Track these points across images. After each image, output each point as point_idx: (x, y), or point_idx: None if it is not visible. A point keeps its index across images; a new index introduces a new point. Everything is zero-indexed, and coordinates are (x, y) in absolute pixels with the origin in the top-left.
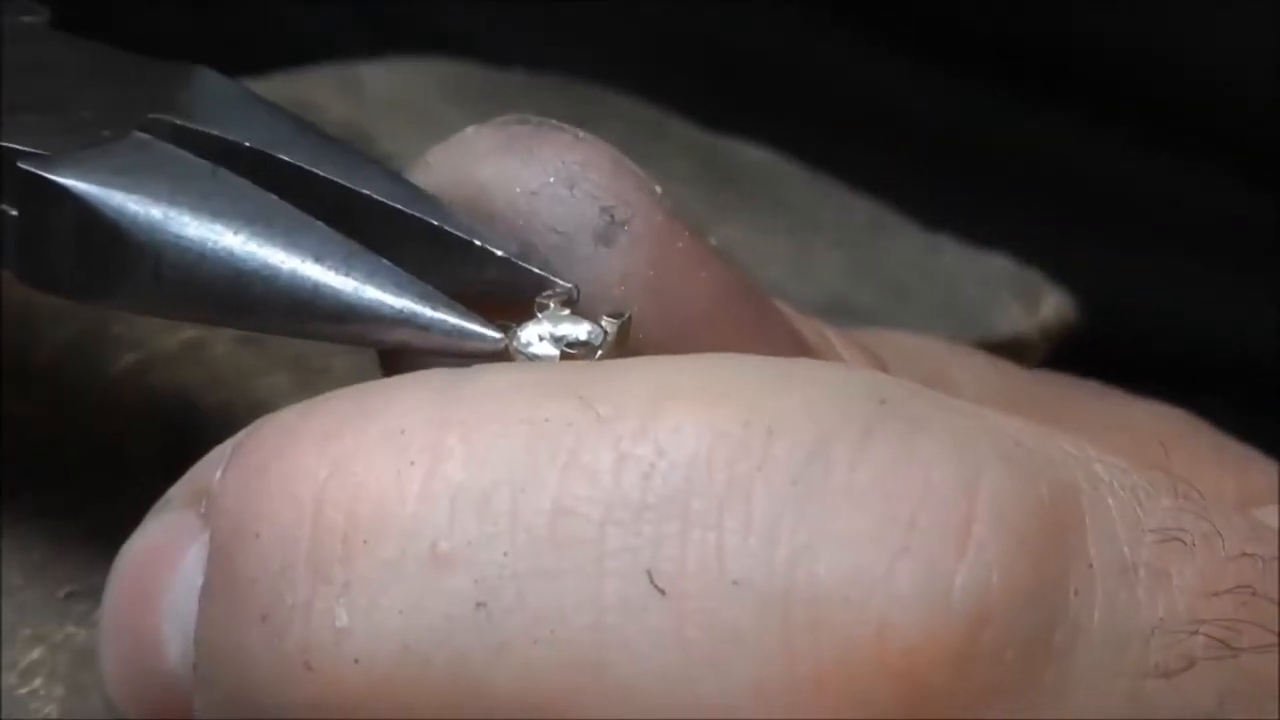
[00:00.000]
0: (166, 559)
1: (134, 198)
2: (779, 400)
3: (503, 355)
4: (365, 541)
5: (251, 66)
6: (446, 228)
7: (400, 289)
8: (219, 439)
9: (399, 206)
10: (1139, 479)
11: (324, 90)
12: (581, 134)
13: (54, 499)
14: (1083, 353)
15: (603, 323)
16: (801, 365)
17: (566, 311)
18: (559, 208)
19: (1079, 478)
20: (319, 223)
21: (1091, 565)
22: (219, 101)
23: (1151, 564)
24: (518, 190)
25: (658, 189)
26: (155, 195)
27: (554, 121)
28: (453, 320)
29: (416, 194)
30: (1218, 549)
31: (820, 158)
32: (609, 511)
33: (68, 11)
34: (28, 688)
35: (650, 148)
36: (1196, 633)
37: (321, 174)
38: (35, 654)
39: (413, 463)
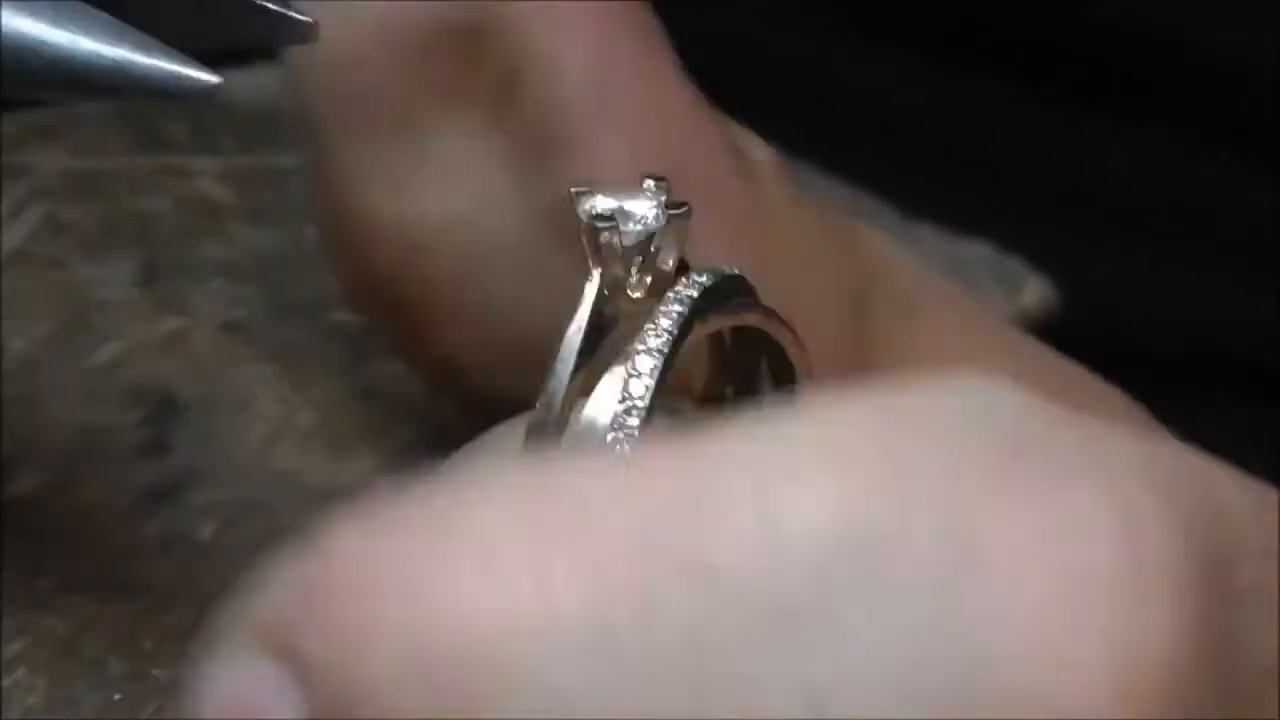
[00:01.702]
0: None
1: None
2: (904, 452)
3: (217, 94)
4: (484, 702)
5: (228, 58)
6: None
7: (114, 39)
8: (202, 429)
9: None
10: (1253, 495)
11: None
12: None
13: (36, 490)
14: (1070, 344)
15: (665, 206)
16: (915, 400)
17: (649, 186)
18: None
19: (1214, 504)
20: None
21: (1244, 595)
22: None
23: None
24: None
25: None
26: None
27: None
28: (169, 66)
29: None
30: None
31: (800, 146)
32: (743, 623)
33: None
34: (10, 678)
35: None
36: None
37: None
38: (17, 645)
39: (517, 600)
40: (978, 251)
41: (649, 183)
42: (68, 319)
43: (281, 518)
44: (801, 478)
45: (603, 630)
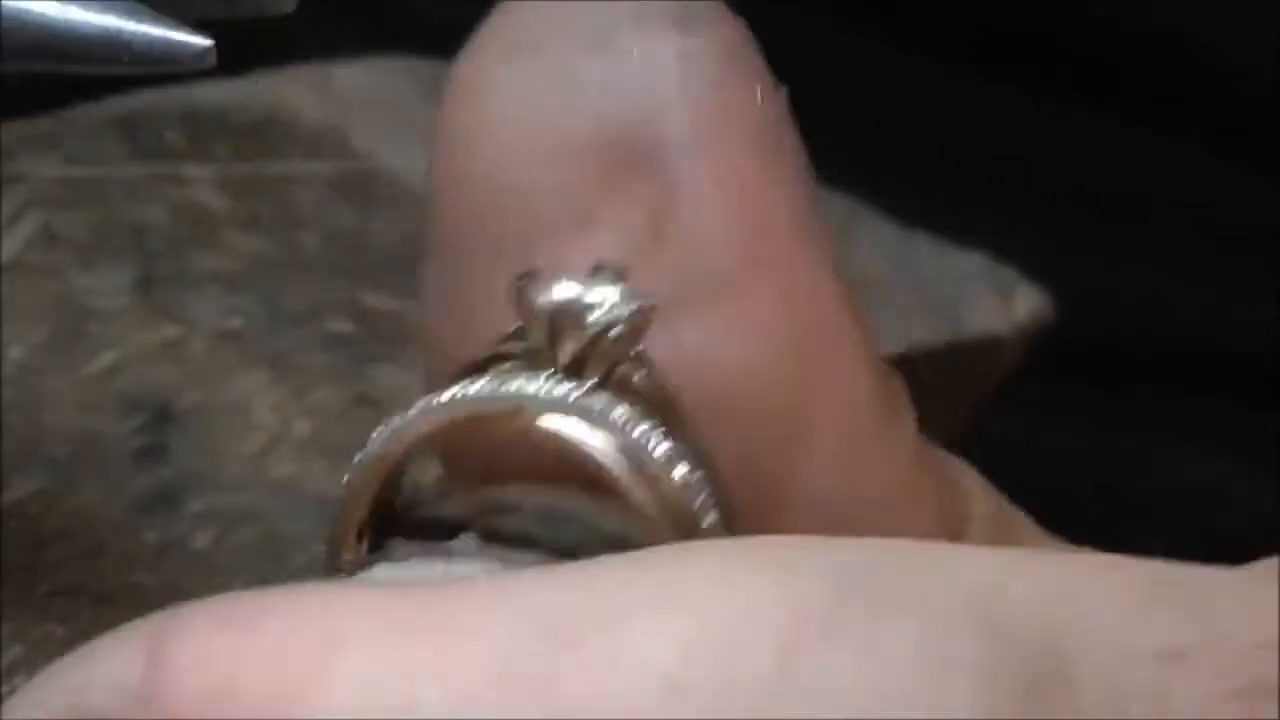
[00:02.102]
0: None
1: None
2: (739, 603)
3: (207, 57)
4: None
5: (224, 66)
6: None
7: (105, 6)
8: (198, 437)
9: None
10: (1119, 592)
11: (297, 90)
12: None
13: (32, 497)
14: (1075, 347)
15: (630, 300)
16: (758, 553)
17: (607, 273)
18: None
19: (1059, 623)
20: None
21: (1083, 715)
22: None
23: (1152, 689)
24: None
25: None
26: None
27: None
28: (158, 31)
29: None
30: (1223, 647)
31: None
32: None
33: None
34: (8, 685)
35: None
36: None
37: None
38: (16, 651)
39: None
40: (973, 262)
41: (608, 271)
42: (63, 327)
43: (278, 526)
44: (645, 624)
45: None
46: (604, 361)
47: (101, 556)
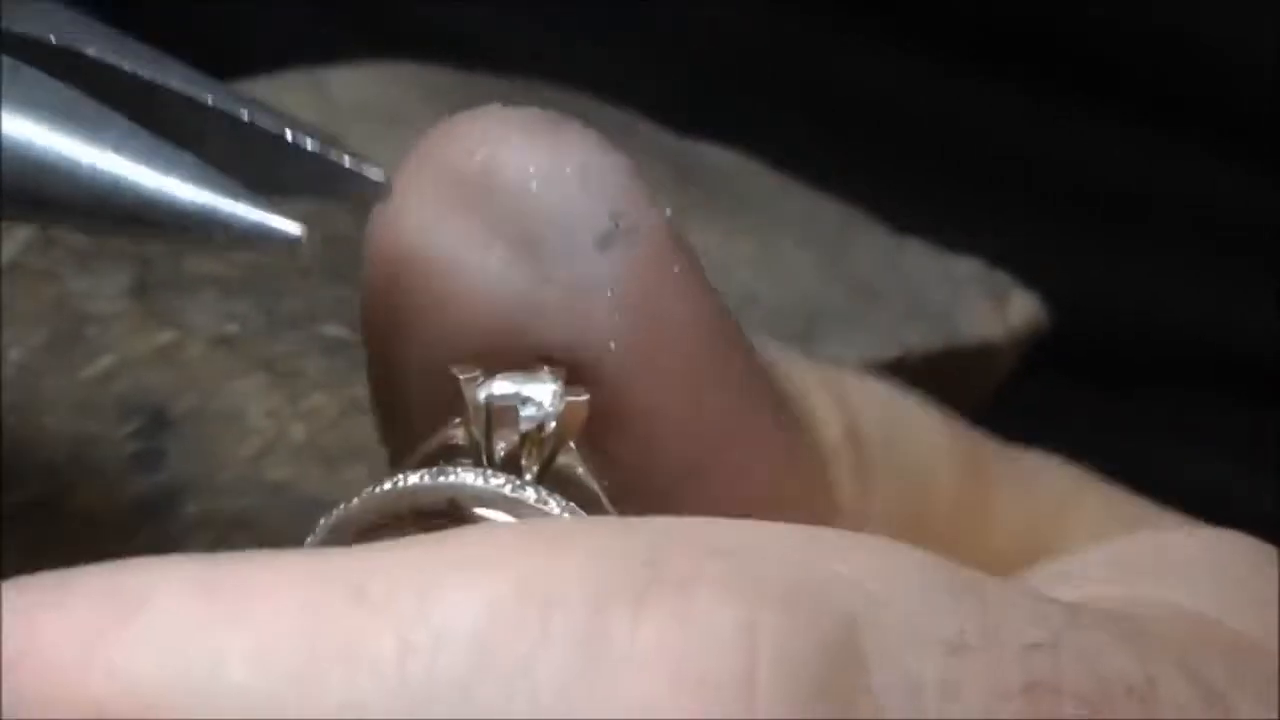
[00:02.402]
0: None
1: None
2: (551, 568)
3: (298, 247)
4: None
5: (219, 73)
6: (255, 122)
7: (201, 182)
8: (192, 442)
9: (206, 100)
10: (915, 583)
11: (292, 95)
12: (602, 138)
13: (29, 502)
14: (1075, 347)
15: (564, 394)
16: (574, 527)
17: (544, 371)
18: (568, 202)
19: (859, 605)
20: (121, 116)
21: (880, 698)
22: (27, 3)
23: (940, 678)
24: (532, 172)
25: (668, 210)
26: None
27: (579, 122)
28: (249, 215)
29: (225, 90)
30: (1005, 644)
31: (788, 157)
32: (397, 703)
33: None
34: None
35: (618, 146)
36: None
37: (127, 69)
38: None
39: (189, 668)
40: (967, 267)
41: (545, 368)
42: (61, 331)
43: (274, 530)
44: (457, 571)
45: (265, 700)
46: (539, 456)
47: (98, 560)
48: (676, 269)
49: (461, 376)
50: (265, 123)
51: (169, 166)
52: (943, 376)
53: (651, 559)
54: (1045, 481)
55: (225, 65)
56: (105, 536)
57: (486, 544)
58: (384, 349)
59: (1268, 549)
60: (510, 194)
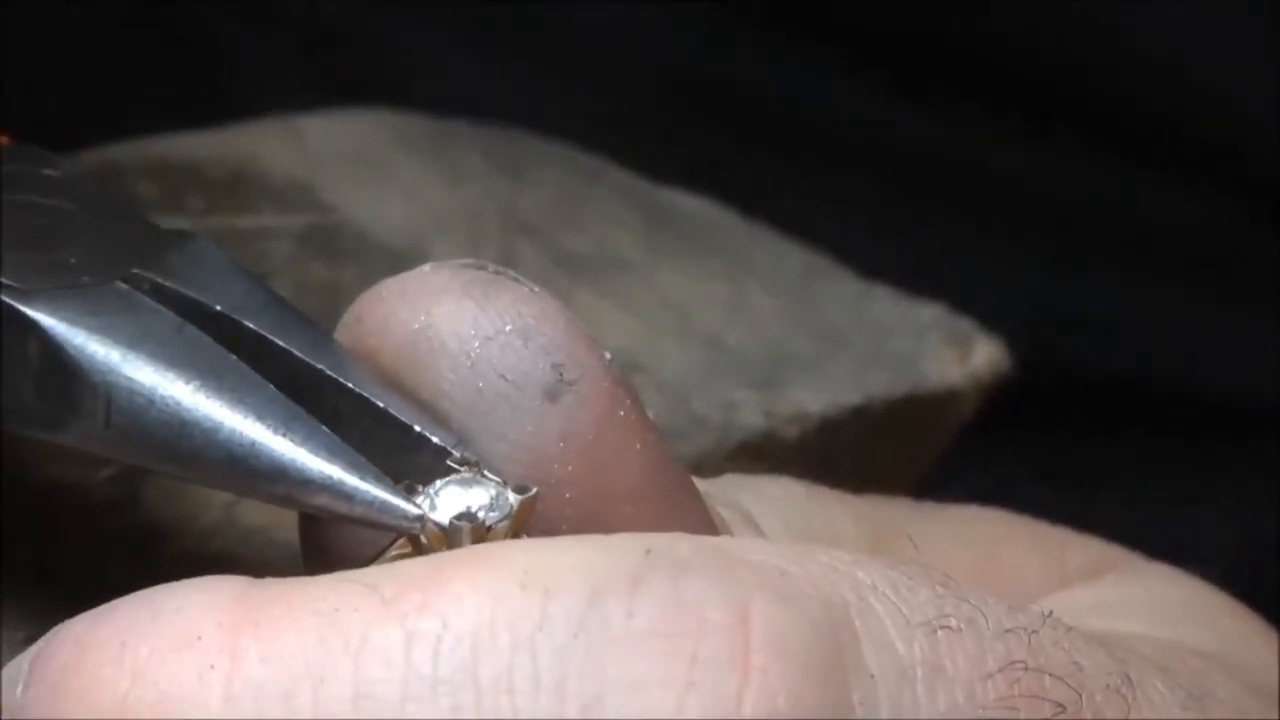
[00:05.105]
0: None
1: (96, 338)
2: (550, 560)
3: (415, 525)
4: None
5: (196, 120)
6: (390, 410)
7: (332, 456)
8: (171, 485)
9: (346, 382)
10: (899, 574)
11: (267, 143)
12: (537, 289)
13: (16, 543)
14: (1070, 380)
15: (509, 494)
16: (573, 536)
17: (466, 472)
18: (511, 357)
19: (845, 591)
20: (269, 385)
21: (872, 675)
22: (203, 267)
23: (925, 659)
24: (471, 333)
25: (607, 354)
26: (117, 339)
27: (512, 273)
28: (374, 492)
29: (367, 374)
30: (983, 629)
31: (756, 200)
32: (406, 689)
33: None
34: None
35: (589, 193)
36: (980, 718)
37: (281, 344)
38: None
39: (212, 666)
40: (930, 313)
41: (487, 472)
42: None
43: (250, 574)
44: (460, 567)
45: (282, 691)
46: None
47: (74, 601)
48: (621, 412)
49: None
50: (399, 411)
51: (303, 438)
52: (905, 421)
53: (646, 552)
54: (971, 530)
55: (201, 112)
56: (81, 577)
57: (491, 548)
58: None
59: (1220, 593)
60: (453, 358)
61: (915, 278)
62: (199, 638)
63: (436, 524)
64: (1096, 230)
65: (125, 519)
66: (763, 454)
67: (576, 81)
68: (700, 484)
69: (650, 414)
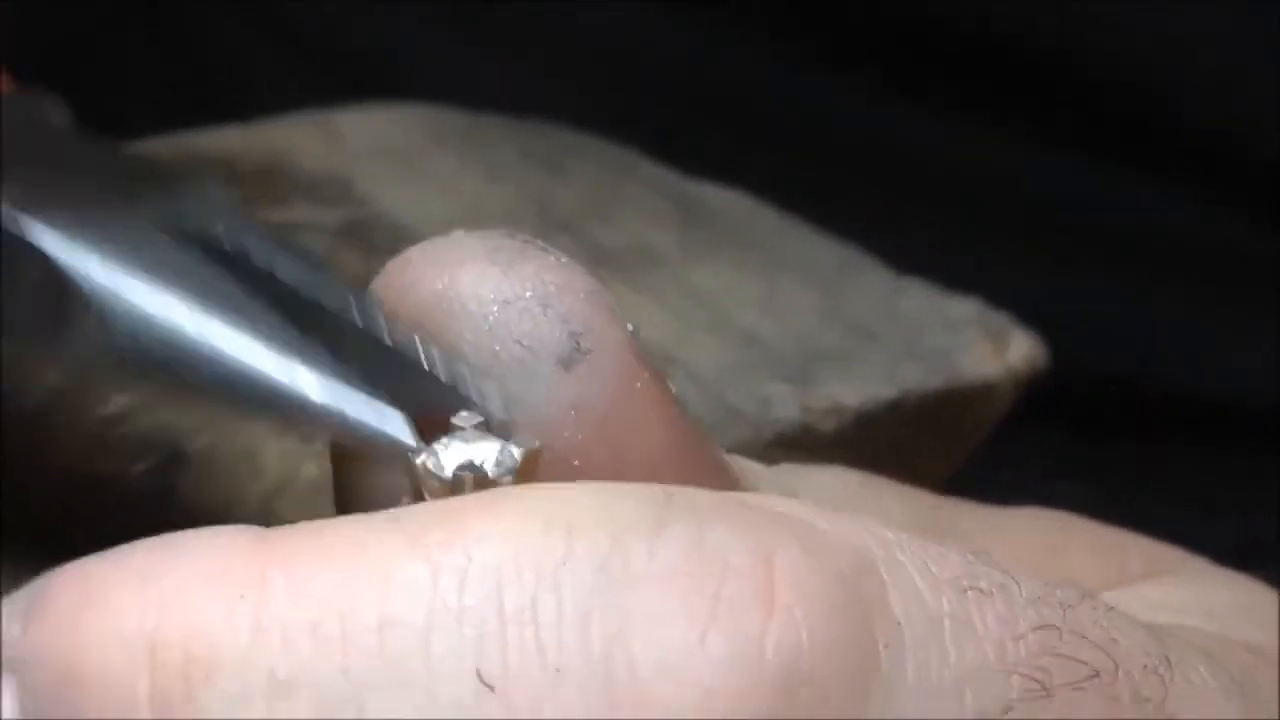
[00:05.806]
0: None
1: (97, 256)
2: (573, 504)
3: (407, 458)
4: (206, 677)
5: (229, 115)
6: (397, 348)
7: (333, 383)
8: (206, 481)
9: (352, 319)
10: (929, 541)
11: (302, 137)
12: (564, 259)
13: (39, 543)
14: (1073, 388)
15: (513, 449)
16: (594, 482)
17: (471, 428)
18: (528, 323)
19: (872, 545)
20: (273, 314)
21: (899, 621)
22: (213, 208)
23: (955, 614)
24: (491, 297)
25: (630, 326)
26: (118, 258)
27: (539, 243)
28: (373, 424)
29: (375, 314)
30: (1015, 594)
31: (789, 196)
32: (431, 617)
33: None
34: None
35: (624, 188)
36: (1011, 675)
37: (288, 281)
38: None
39: (242, 596)
40: (966, 308)
41: (467, 426)
42: (77, 370)
43: None
44: (484, 511)
45: (310, 621)
46: None
47: None
48: (639, 385)
49: (416, 461)
50: (405, 349)
51: (305, 365)
52: (940, 415)
53: (668, 499)
54: (1028, 532)
55: (235, 106)
56: None
57: (511, 491)
58: (348, 465)
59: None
60: (472, 320)
61: (915, 277)
62: (227, 569)
63: (439, 476)
64: (1096, 230)
65: (161, 511)
66: (799, 447)
67: (576, 81)
68: (756, 469)
69: (673, 388)
